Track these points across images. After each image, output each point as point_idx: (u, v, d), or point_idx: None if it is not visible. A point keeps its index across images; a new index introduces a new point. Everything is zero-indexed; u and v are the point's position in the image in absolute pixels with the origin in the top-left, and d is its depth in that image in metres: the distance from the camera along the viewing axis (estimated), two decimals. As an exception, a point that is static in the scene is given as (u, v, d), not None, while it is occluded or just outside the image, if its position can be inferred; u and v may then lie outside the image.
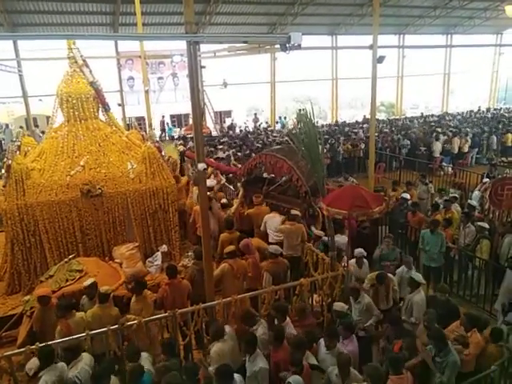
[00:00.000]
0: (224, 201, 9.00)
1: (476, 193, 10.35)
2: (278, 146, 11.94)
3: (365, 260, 6.86)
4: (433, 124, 22.65)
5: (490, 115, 26.88)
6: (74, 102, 8.21)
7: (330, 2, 22.82)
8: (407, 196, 9.64)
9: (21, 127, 18.76)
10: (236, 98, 27.98)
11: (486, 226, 7.90)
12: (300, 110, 6.71)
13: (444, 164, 16.27)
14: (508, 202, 7.98)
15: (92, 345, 5.19)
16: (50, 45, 16.34)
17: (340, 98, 29.83)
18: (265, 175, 9.72)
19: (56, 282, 6.38)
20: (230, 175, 11.50)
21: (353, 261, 6.78)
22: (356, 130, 20.64)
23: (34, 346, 4.92)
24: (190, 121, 21.79)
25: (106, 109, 8.65)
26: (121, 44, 21.79)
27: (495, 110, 30.09)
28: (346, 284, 6.39)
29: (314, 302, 6.52)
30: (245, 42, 6.07)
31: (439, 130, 19.72)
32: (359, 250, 6.77)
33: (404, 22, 27.84)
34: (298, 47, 5.25)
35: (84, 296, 5.98)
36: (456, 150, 17.31)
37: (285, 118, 27.09)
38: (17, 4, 17.71)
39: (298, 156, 7.44)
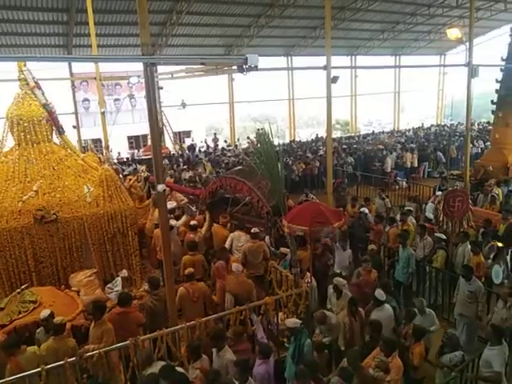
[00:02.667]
0: (193, 222, 8.90)
1: (430, 205, 10.81)
2: (239, 167, 11.97)
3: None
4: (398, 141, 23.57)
5: (433, 130, 28.25)
6: (26, 124, 7.91)
7: (284, 25, 23.52)
8: (366, 210, 9.91)
9: None
10: (195, 118, 27.96)
11: (443, 237, 8.25)
12: (258, 129, 6.82)
13: (399, 178, 16.94)
14: (459, 213, 8.38)
15: (48, 380, 4.90)
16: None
17: (297, 117, 30.56)
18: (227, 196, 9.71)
19: (7, 314, 6.00)
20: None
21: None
22: (321, 147, 21.16)
23: (-18, 387, 4.62)
24: (149, 142, 21.52)
25: (60, 131, 8.40)
26: (75, 66, 21.37)
27: (438, 126, 31.68)
28: (310, 301, 6.44)
29: (279, 320, 6.50)
30: (202, 64, 6.15)
31: (381, 146, 20.59)
32: (380, 293, 6.02)
33: (355, 44, 29.15)
34: (255, 68, 5.36)
35: (39, 329, 5.66)
36: (409, 165, 18.11)
37: (237, 139, 27.24)
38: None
39: (258, 176, 7.48)
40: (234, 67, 5.61)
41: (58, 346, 5.13)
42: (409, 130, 29.63)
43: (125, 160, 20.49)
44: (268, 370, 5.00)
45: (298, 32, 25.37)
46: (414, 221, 9.59)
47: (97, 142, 21.38)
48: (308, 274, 6.65)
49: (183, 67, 8.15)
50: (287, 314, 6.44)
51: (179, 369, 4.92)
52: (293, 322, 5.47)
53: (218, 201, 9.50)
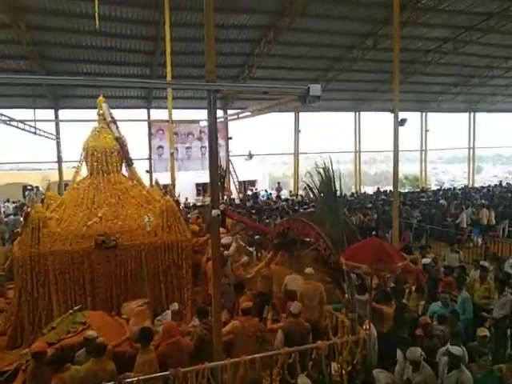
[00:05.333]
0: (245, 259, 8.66)
1: (510, 261, 9.70)
2: (311, 210, 11.57)
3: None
4: (460, 196, 22.17)
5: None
6: (99, 155, 8.44)
7: (352, 79, 23.60)
8: (427, 261, 9.20)
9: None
10: (261, 167, 28.52)
11: (526, 295, 7.22)
12: (320, 167, 6.60)
13: (473, 234, 15.64)
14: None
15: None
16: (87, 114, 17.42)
17: (363, 174, 29.98)
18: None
19: (57, 333, 6.06)
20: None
21: None
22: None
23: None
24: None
25: (129, 164, 8.82)
26: (153, 115, 23.07)
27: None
28: (368, 351, 5.79)
29: (332, 370, 5.87)
30: (265, 93, 6.19)
31: (443, 202, 19.44)
32: (457, 348, 5.27)
33: (426, 97, 28.24)
34: (317, 99, 5.27)
35: (80, 351, 5.59)
36: (485, 222, 16.71)
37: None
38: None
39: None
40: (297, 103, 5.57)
41: (98, 368, 5.01)
42: (483, 187, 27.63)
43: (191, 205, 21.08)
44: None
45: (367, 86, 25.39)
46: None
47: (167, 186, 22.23)
48: (367, 321, 6.02)
49: (249, 109, 8.40)
50: (341, 364, 5.82)
51: None
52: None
53: (286, 242, 8.96)
